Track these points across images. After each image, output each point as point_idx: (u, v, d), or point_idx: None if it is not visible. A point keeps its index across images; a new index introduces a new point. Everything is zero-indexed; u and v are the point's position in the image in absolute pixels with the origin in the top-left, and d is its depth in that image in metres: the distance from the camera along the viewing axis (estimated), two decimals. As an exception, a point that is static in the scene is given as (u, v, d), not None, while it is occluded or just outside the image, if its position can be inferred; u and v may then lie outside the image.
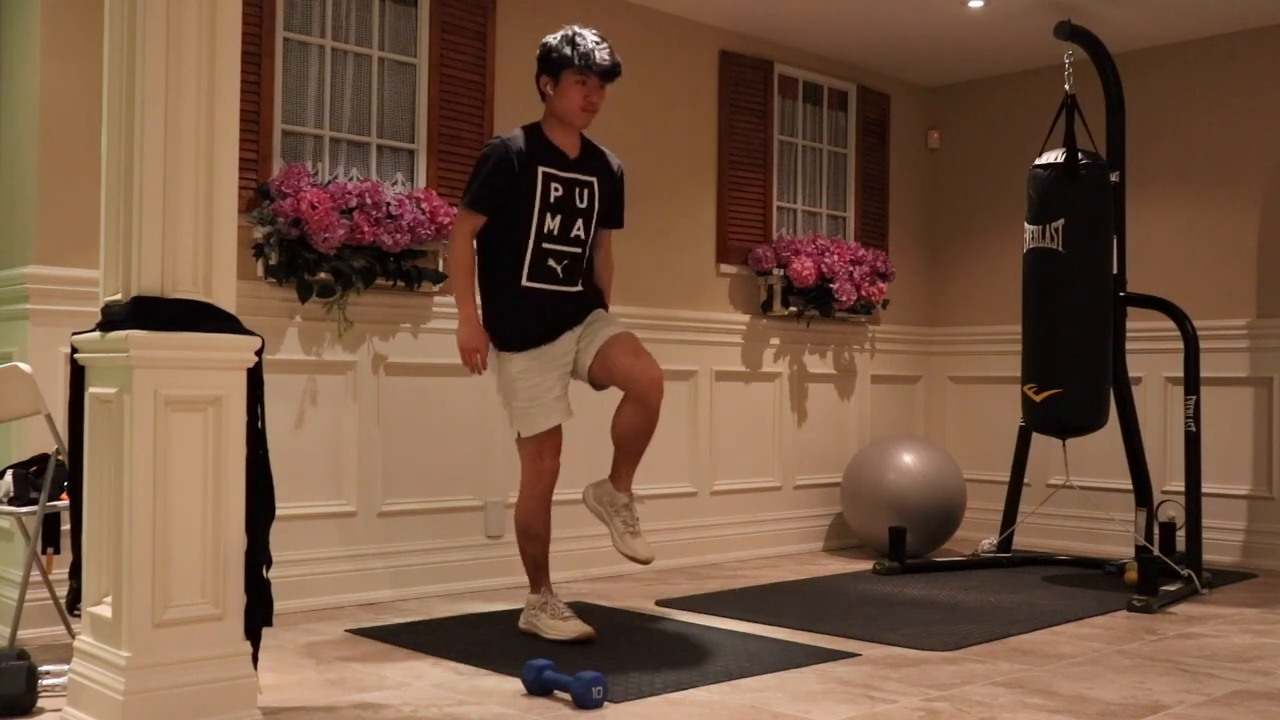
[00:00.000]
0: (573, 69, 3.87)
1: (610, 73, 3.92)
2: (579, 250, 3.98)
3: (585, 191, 3.98)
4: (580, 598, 4.63)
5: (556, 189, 3.91)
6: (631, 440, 3.92)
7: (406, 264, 4.60)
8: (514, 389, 3.93)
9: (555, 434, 3.96)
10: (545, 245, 3.90)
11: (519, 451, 4.00)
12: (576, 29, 3.92)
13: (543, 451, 3.94)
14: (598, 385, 4.06)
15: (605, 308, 4.10)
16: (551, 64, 3.91)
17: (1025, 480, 5.76)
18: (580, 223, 3.96)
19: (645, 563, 3.91)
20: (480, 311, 3.99)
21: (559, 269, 3.92)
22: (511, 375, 3.93)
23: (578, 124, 3.96)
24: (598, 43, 3.90)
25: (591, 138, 4.08)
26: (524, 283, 3.89)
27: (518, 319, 3.91)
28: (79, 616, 2.88)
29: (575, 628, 3.86)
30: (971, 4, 5.53)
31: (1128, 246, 5.25)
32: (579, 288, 3.99)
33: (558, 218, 3.91)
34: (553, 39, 3.93)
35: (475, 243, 3.94)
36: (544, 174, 3.88)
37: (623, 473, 3.96)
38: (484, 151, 3.95)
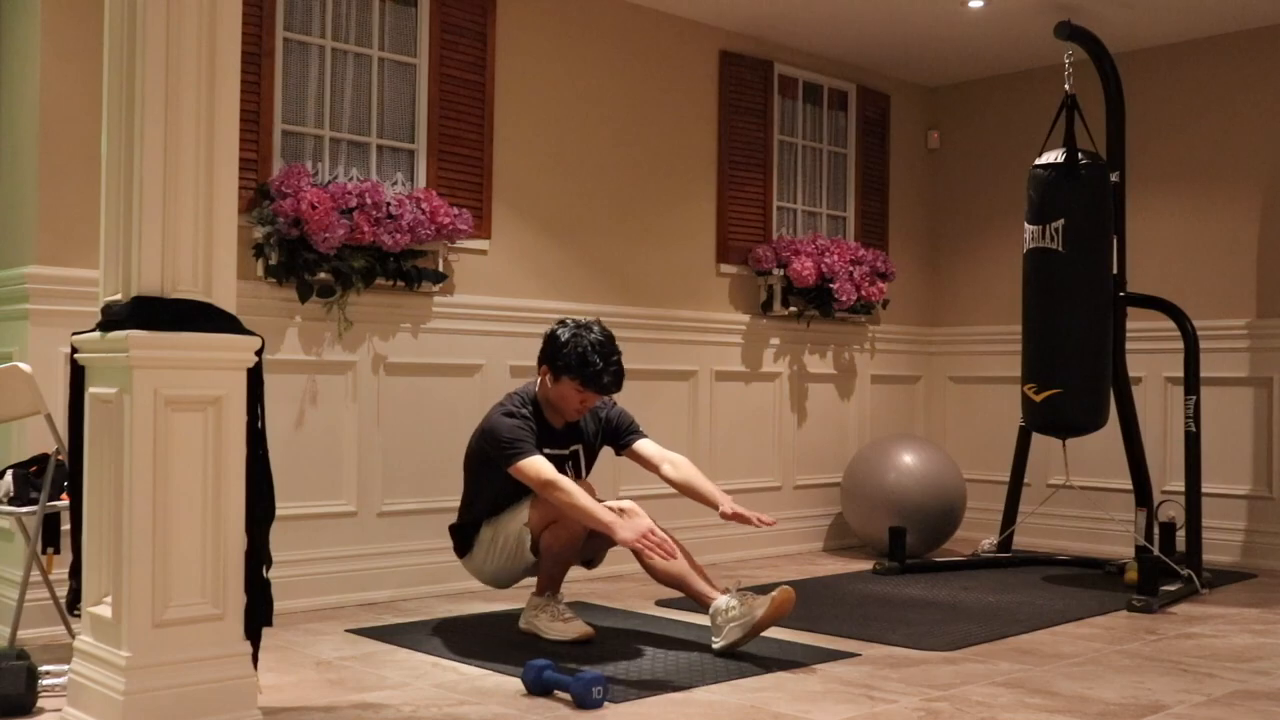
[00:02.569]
0: (575, 381, 3.86)
1: (611, 394, 3.94)
2: None
3: (570, 464, 4.03)
4: (580, 598, 4.63)
5: None
6: (672, 566, 3.83)
7: (406, 264, 4.60)
8: (499, 545, 3.98)
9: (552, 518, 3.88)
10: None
11: (544, 529, 3.91)
12: (589, 336, 3.86)
13: (546, 508, 3.83)
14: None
15: None
16: (556, 366, 3.88)
17: (1025, 480, 5.76)
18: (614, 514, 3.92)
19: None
20: (459, 526, 4.10)
21: None
22: (487, 540, 4.01)
23: (570, 420, 4.00)
24: (606, 359, 3.85)
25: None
26: None
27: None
28: (79, 616, 2.88)
29: (575, 629, 3.87)
30: (971, 4, 5.53)
31: (1128, 246, 5.25)
32: None
33: None
34: (563, 335, 3.89)
35: (473, 491, 4.03)
36: (544, 454, 3.86)
37: (702, 589, 3.83)
38: (503, 422, 3.85)
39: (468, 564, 4.13)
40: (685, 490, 4.01)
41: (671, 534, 3.86)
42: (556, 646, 3.78)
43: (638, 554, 3.85)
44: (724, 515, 3.87)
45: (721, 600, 3.77)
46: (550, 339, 3.94)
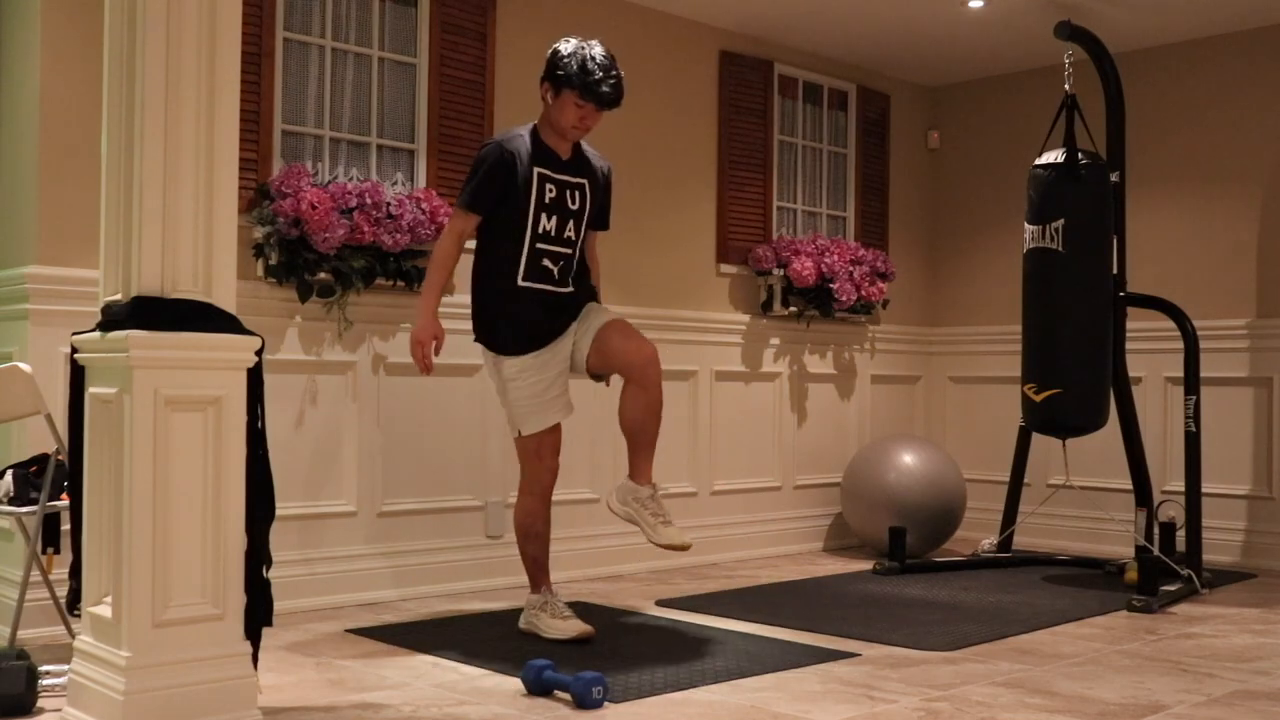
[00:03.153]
0: (573, 92, 3.86)
1: (610, 105, 3.93)
2: (571, 251, 3.99)
3: (577, 194, 3.99)
4: (580, 598, 4.63)
5: (551, 190, 3.92)
6: (641, 425, 3.90)
7: (406, 264, 4.60)
8: (511, 389, 3.94)
9: (555, 433, 3.97)
10: (540, 245, 3.91)
11: (518, 451, 4.01)
12: (590, 50, 3.90)
13: (542, 450, 3.95)
14: (596, 376, 4.08)
15: (598, 301, 4.11)
16: (556, 77, 3.90)
17: (1025, 480, 5.76)
18: (572, 224, 3.98)
19: (683, 549, 3.87)
20: (474, 314, 4.03)
21: (554, 269, 3.94)
22: (508, 376, 3.94)
23: (567, 139, 3.99)
24: (606, 70, 3.87)
25: (584, 140, 4.09)
26: (520, 282, 3.91)
27: (514, 320, 3.92)
28: (79, 616, 2.88)
29: (575, 627, 3.86)
30: (971, 4, 5.53)
31: (1128, 246, 5.25)
32: (571, 289, 4.00)
33: (553, 219, 3.92)
34: (565, 49, 3.91)
35: (465, 244, 3.97)
36: (539, 175, 3.90)
37: (640, 464, 3.92)
38: (481, 153, 3.94)
39: (486, 355, 4.08)
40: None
41: (655, 412, 3.91)
42: (556, 646, 3.77)
43: (625, 386, 3.93)
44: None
45: (644, 490, 3.87)
46: (552, 53, 3.93)
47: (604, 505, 4.95)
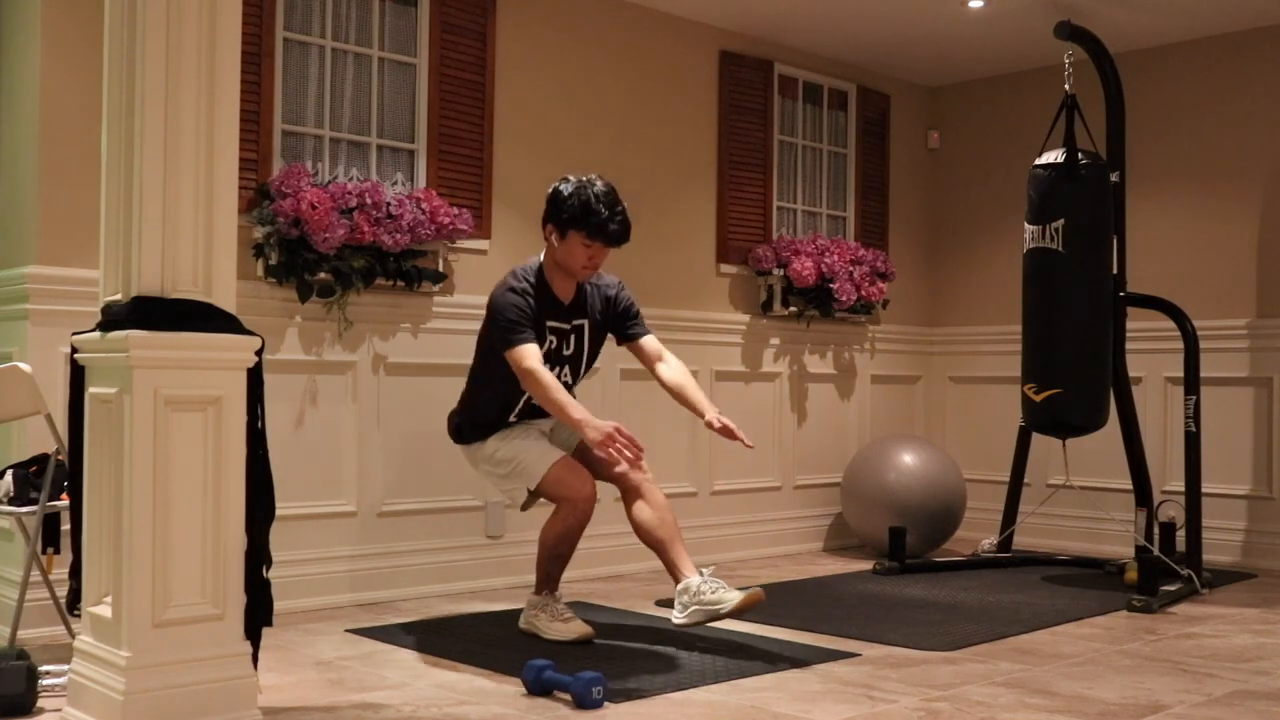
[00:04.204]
0: (581, 233, 3.83)
1: (619, 243, 3.90)
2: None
3: (573, 338, 4.00)
4: (580, 598, 4.63)
5: (551, 341, 3.93)
6: (658, 523, 3.84)
7: (406, 264, 4.60)
8: (498, 461, 3.95)
9: (570, 467, 3.86)
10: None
11: (548, 498, 3.92)
12: (592, 188, 3.84)
13: (566, 477, 3.83)
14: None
15: None
16: (560, 220, 3.85)
17: (1025, 480, 5.76)
18: (568, 368, 3.99)
19: (752, 603, 3.74)
20: (456, 427, 4.08)
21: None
22: (488, 454, 3.97)
23: (577, 279, 3.96)
24: (611, 207, 3.83)
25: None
26: (511, 419, 4.00)
27: (492, 428, 4.00)
28: (79, 616, 2.88)
29: (575, 628, 3.86)
30: (971, 4, 5.53)
31: (1128, 246, 5.25)
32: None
33: (550, 368, 3.86)
34: (565, 189, 3.86)
35: (481, 373, 4.01)
36: (547, 327, 3.89)
37: (679, 560, 3.81)
38: (501, 297, 3.84)
39: (465, 454, 4.10)
40: (676, 394, 3.96)
41: (665, 505, 3.87)
42: (556, 646, 3.77)
43: (629, 505, 3.87)
44: (709, 425, 3.85)
45: (694, 580, 3.75)
46: (553, 195, 3.89)
47: (603, 505, 4.87)
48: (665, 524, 3.85)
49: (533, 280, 3.90)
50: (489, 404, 4.00)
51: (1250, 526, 5.73)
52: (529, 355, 3.73)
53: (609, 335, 4.12)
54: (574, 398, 3.85)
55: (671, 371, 3.98)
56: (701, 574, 3.77)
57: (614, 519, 5.24)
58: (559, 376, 3.91)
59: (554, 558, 3.95)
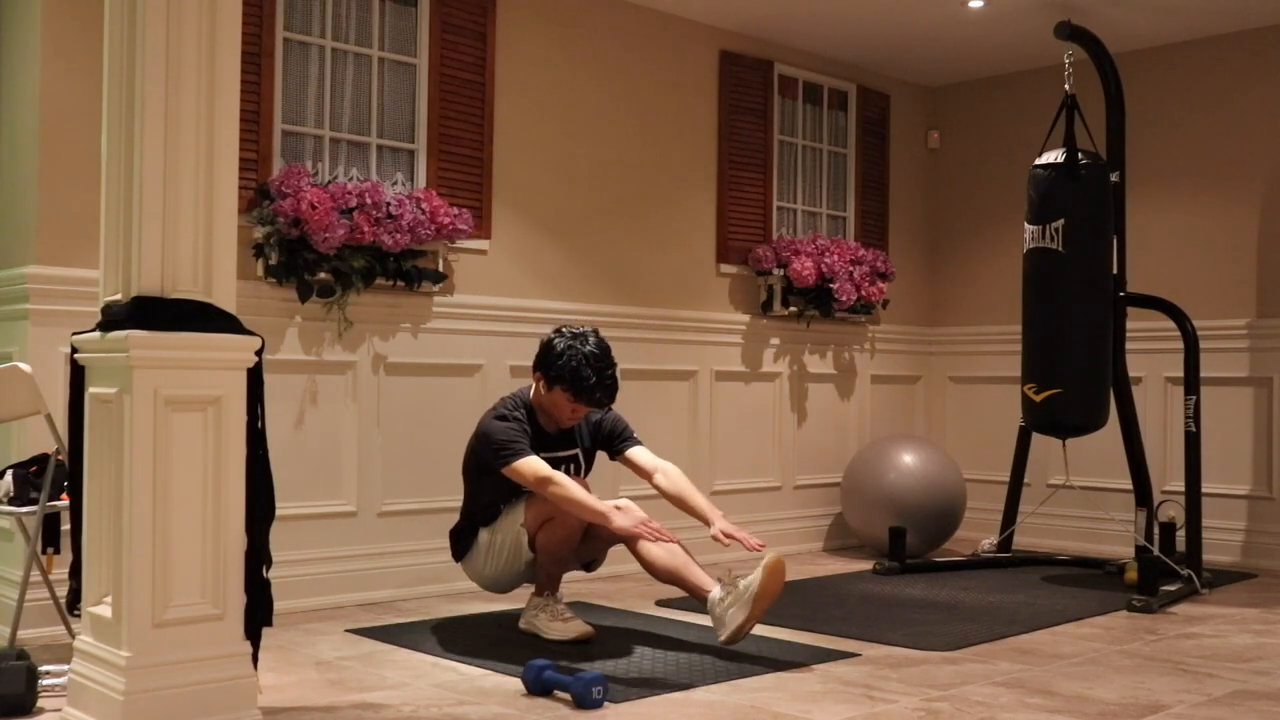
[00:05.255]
0: (567, 392, 3.87)
1: (603, 407, 3.97)
2: None
3: (571, 467, 4.03)
4: (580, 598, 4.63)
5: None
6: (671, 559, 3.87)
7: (406, 264, 4.60)
8: (496, 549, 3.99)
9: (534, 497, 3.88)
10: None
11: (550, 520, 3.91)
12: (584, 347, 3.86)
13: (548, 521, 3.86)
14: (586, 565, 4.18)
15: None
16: (549, 371, 3.89)
17: (1025, 480, 5.76)
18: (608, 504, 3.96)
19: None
20: (455, 544, 4.11)
21: None
22: (484, 544, 4.02)
23: (563, 426, 4.01)
24: (600, 372, 3.85)
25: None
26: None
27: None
28: (79, 616, 2.88)
29: (575, 628, 3.87)
30: (971, 4, 5.53)
31: (1128, 246, 5.25)
32: None
33: None
34: (559, 345, 3.88)
35: (472, 501, 4.06)
36: (540, 457, 3.89)
37: (697, 582, 3.83)
38: (496, 425, 3.86)
39: (467, 568, 4.14)
40: (677, 502, 3.98)
41: (670, 532, 3.87)
42: (556, 646, 3.77)
43: (635, 548, 3.89)
44: (714, 536, 3.80)
45: (716, 592, 3.75)
46: (545, 347, 3.93)
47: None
48: (674, 554, 3.87)
49: (523, 413, 3.94)
50: (488, 520, 4.04)
51: (1250, 526, 5.73)
52: (538, 465, 3.76)
53: (603, 451, 4.18)
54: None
55: (669, 481, 4.00)
56: (720, 581, 3.78)
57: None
58: None
59: (554, 561, 3.96)
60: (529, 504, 3.90)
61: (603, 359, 3.88)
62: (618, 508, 3.79)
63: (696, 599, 3.87)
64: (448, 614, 4.36)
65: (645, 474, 4.05)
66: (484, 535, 4.03)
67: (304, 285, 4.39)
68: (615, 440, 4.12)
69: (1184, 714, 3.11)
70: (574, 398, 3.87)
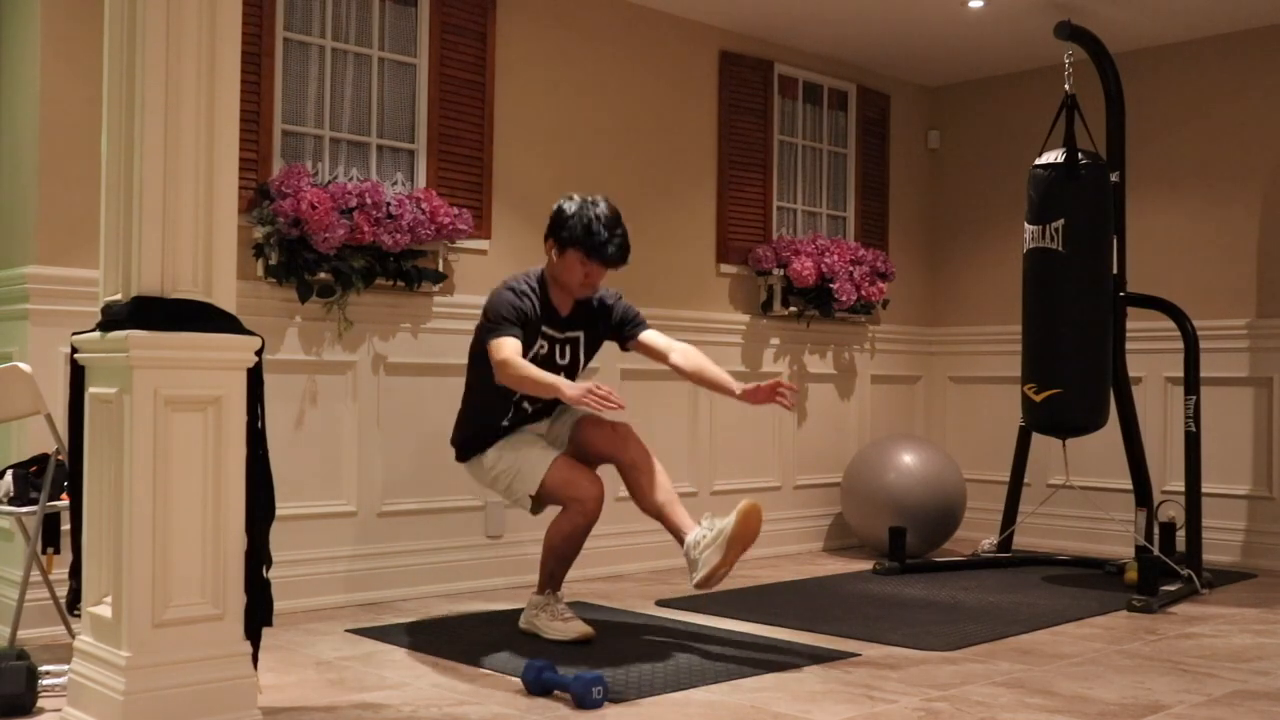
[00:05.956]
0: (579, 252, 3.87)
1: (616, 265, 3.94)
2: (556, 403, 4.00)
3: (568, 348, 4.02)
4: (580, 598, 4.63)
5: (543, 347, 3.95)
6: (656, 493, 3.87)
7: (406, 264, 4.60)
8: (499, 471, 3.96)
9: (572, 467, 3.87)
10: (525, 403, 3.98)
11: (553, 501, 3.92)
12: (595, 209, 3.88)
13: (573, 478, 3.85)
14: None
15: None
16: (561, 236, 3.90)
17: (1025, 480, 5.76)
18: (562, 376, 3.92)
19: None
20: (458, 444, 4.08)
21: (536, 409, 4.02)
22: (488, 467, 3.98)
23: (575, 295, 3.99)
24: (611, 229, 3.88)
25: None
26: (502, 423, 4.00)
27: (488, 439, 4.00)
28: (79, 616, 2.88)
29: (575, 628, 3.86)
30: (971, 4, 5.53)
31: (1128, 246, 5.25)
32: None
33: None
34: (569, 207, 3.91)
35: (474, 382, 4.04)
36: (542, 333, 3.92)
37: (679, 522, 3.83)
38: (503, 295, 3.86)
39: (468, 470, 4.11)
40: (696, 378, 3.97)
41: (659, 470, 3.88)
42: (556, 646, 3.77)
43: (627, 477, 3.89)
44: (738, 397, 3.86)
45: (693, 535, 3.73)
46: (556, 212, 3.93)
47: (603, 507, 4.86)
48: (662, 488, 3.87)
49: (535, 286, 3.93)
50: (482, 412, 4.01)
51: (1250, 526, 5.73)
52: (505, 347, 3.75)
53: (614, 342, 4.14)
54: (559, 404, 3.95)
55: (685, 359, 3.98)
56: (700, 524, 3.75)
57: (613, 519, 5.25)
58: None
59: (558, 558, 3.94)
60: (554, 471, 3.83)
61: (613, 219, 3.90)
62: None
63: (675, 539, 3.83)
64: (448, 614, 4.36)
65: (660, 355, 4.03)
66: (491, 456, 3.96)
67: (304, 285, 4.39)
68: (626, 325, 4.07)
69: (1184, 714, 3.11)
70: (586, 256, 3.86)
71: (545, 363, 3.92)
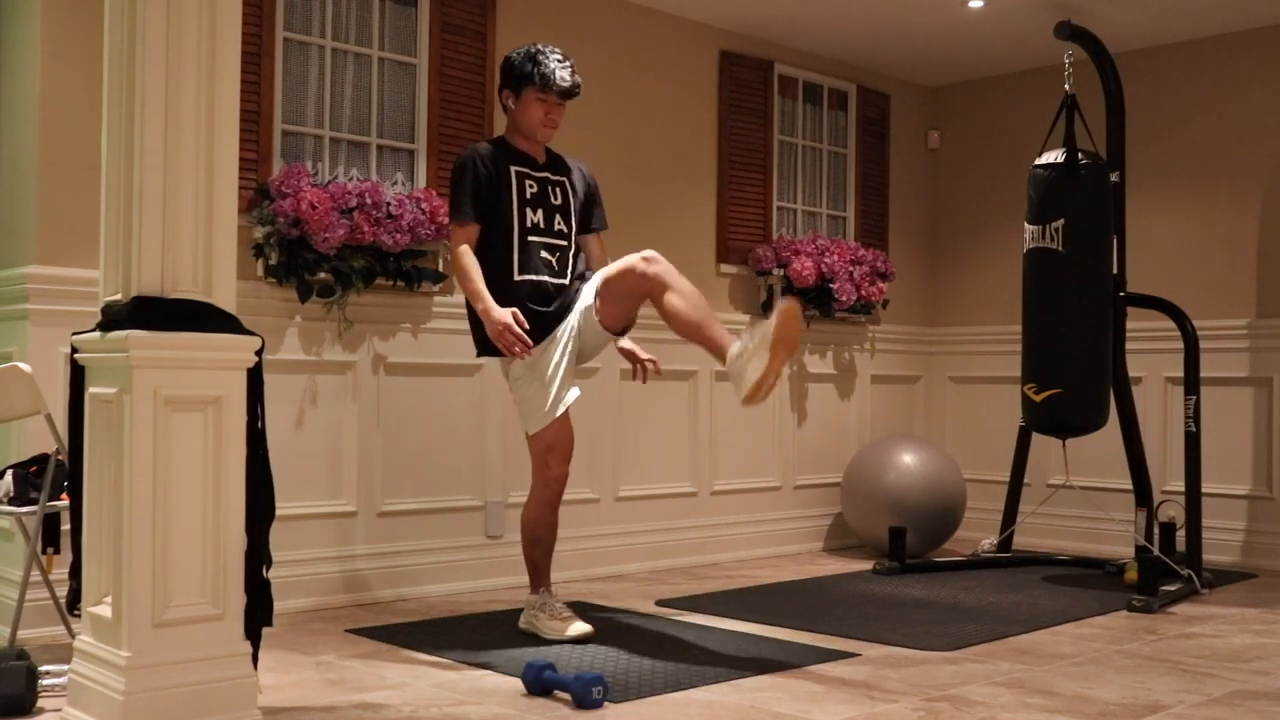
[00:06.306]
0: (533, 87, 3.97)
1: (569, 93, 4.02)
2: (565, 244, 4.05)
3: (558, 189, 4.08)
4: (580, 598, 4.63)
5: (531, 185, 4.02)
6: (691, 311, 3.68)
7: (406, 264, 4.60)
8: (518, 388, 3.96)
9: (564, 439, 3.93)
10: (532, 238, 3.98)
11: (531, 454, 3.98)
12: (540, 47, 4.02)
13: (550, 457, 3.92)
14: (620, 329, 3.98)
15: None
16: (513, 80, 4.02)
17: (1025, 480, 5.76)
18: (559, 217, 4.05)
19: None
20: (474, 324, 4.01)
21: (552, 260, 4.01)
22: (515, 376, 3.95)
23: (539, 139, 4.07)
24: (560, 62, 3.98)
25: (561, 145, 4.20)
26: (516, 276, 3.94)
27: (520, 308, 3.87)
28: (79, 616, 2.88)
29: (574, 627, 3.87)
30: (971, 4, 5.53)
31: (1128, 246, 5.25)
32: (568, 280, 4.03)
33: (539, 211, 4.00)
34: (516, 55, 4.03)
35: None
36: (516, 172, 3.99)
37: (717, 336, 3.63)
38: (457, 163, 4.01)
39: (500, 362, 4.06)
40: (598, 280, 3.93)
41: (686, 288, 3.73)
42: (556, 646, 3.77)
43: (658, 300, 3.74)
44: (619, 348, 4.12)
45: (735, 346, 3.54)
46: (505, 61, 4.05)
47: (603, 504, 4.96)
48: (697, 307, 3.69)
49: (497, 143, 4.05)
50: (493, 265, 3.92)
51: (1250, 526, 5.73)
52: (466, 236, 3.90)
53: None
54: (570, 244, 4.04)
55: (598, 275, 3.94)
56: (738, 339, 3.57)
57: (613, 519, 5.26)
58: (552, 223, 4.01)
59: (534, 542, 3.98)
60: (548, 432, 3.86)
61: (561, 54, 4.01)
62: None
63: (715, 357, 3.67)
64: (448, 614, 4.36)
65: (591, 261, 4.12)
66: (518, 369, 3.89)
67: (304, 285, 4.39)
68: (593, 207, 4.16)
69: (1184, 714, 3.11)
70: (541, 87, 3.95)
71: (541, 200, 4.01)
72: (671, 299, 3.72)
